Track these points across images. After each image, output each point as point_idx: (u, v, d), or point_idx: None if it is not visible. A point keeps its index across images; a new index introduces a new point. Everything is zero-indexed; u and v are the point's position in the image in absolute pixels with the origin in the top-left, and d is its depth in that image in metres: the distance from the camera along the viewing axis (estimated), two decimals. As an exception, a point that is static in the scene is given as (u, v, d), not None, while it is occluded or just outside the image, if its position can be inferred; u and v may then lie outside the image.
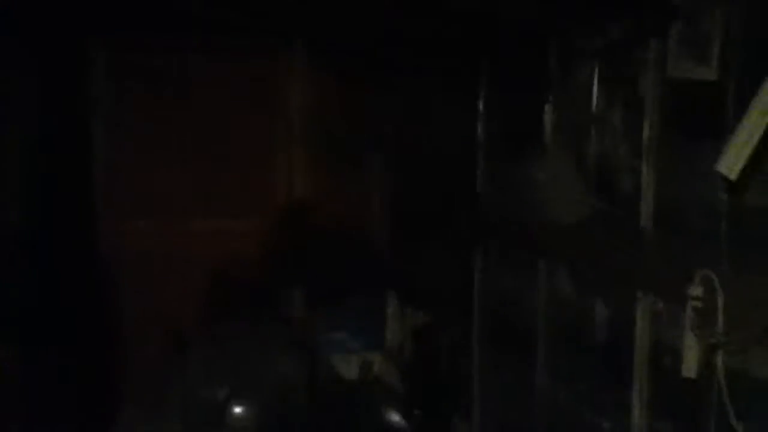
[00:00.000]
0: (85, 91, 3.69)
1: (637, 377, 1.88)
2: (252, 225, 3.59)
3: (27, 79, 3.35)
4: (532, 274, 2.38)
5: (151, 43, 3.66)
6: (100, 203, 3.66)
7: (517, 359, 2.50)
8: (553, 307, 2.30)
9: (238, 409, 2.95)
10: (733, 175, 1.43)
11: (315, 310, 3.47)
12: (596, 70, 2.10)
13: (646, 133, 1.86)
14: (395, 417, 3.05)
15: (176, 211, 3.66)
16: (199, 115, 3.70)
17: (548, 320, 2.33)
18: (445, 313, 3.04)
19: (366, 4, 2.78)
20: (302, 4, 3.11)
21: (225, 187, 3.67)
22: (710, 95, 1.63)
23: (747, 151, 1.40)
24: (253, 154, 3.73)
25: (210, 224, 3.65)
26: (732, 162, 1.42)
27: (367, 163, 3.76)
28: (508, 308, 2.58)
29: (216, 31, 3.50)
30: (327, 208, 3.67)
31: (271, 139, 3.78)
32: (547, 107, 2.32)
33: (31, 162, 3.38)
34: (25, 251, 3.23)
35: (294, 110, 3.83)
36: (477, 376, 2.86)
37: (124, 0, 3.17)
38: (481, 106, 2.81)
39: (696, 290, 1.58)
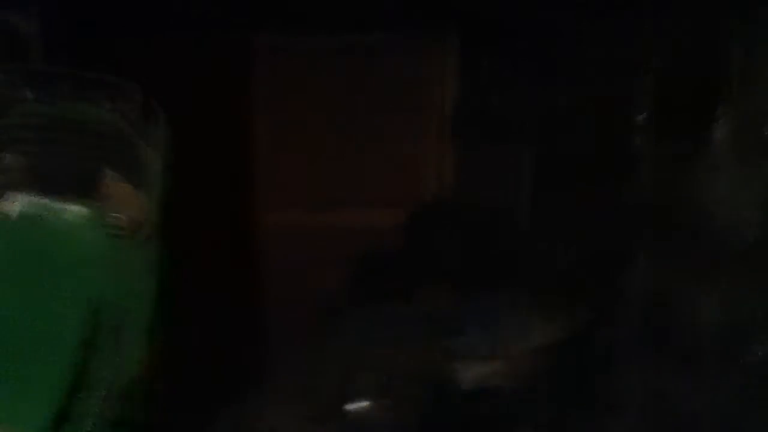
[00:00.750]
0: (245, 85, 3.81)
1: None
2: (398, 216, 3.60)
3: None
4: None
5: (306, 36, 3.73)
6: (254, 193, 3.76)
7: (676, 369, 2.40)
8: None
9: (375, 402, 2.99)
10: None
11: (454, 306, 3.44)
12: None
13: None
14: (523, 423, 2.99)
15: (325, 202, 3.71)
16: (349, 105, 3.74)
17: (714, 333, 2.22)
18: (596, 314, 2.94)
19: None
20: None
21: (372, 178, 3.69)
22: None
23: None
24: (402, 144, 3.73)
25: (357, 215, 3.68)
26: None
27: (518, 154, 3.70)
28: (667, 311, 2.48)
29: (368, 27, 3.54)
30: (472, 200, 3.63)
31: (421, 129, 3.78)
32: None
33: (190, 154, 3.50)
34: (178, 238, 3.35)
35: (445, 100, 3.81)
36: (626, 385, 2.76)
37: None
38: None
39: None
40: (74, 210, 1.26)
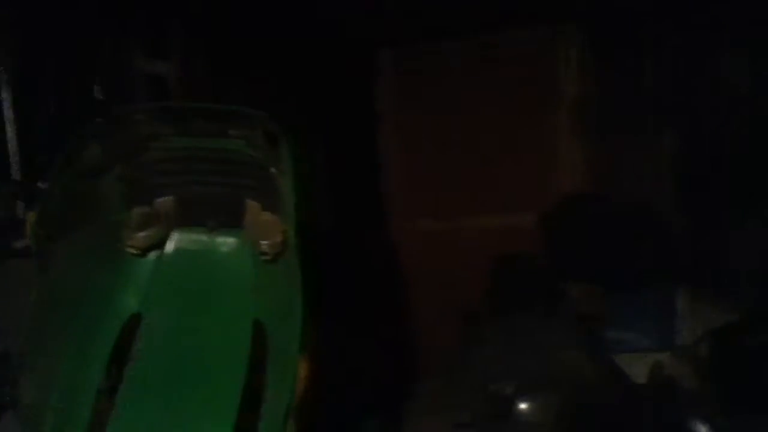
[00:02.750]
0: (371, 96, 3.87)
1: None
2: (535, 218, 3.55)
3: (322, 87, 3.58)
4: None
5: (430, 44, 3.75)
6: (389, 203, 3.81)
7: None
8: None
9: (524, 404, 2.92)
10: None
11: (602, 306, 3.36)
12: None
13: None
14: (693, 422, 2.86)
15: (461, 208, 3.71)
16: (477, 112, 3.73)
17: None
18: (754, 310, 2.81)
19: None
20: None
21: (507, 181, 3.66)
22: None
23: None
24: (531, 146, 3.69)
25: (494, 219, 3.66)
26: None
27: (656, 146, 3.58)
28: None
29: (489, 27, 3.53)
30: (612, 197, 3.54)
31: (550, 130, 3.72)
32: None
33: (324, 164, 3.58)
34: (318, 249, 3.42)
35: (570, 98, 3.74)
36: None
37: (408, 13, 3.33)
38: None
39: None
40: (226, 241, 1.32)
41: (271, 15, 3.32)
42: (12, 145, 1.97)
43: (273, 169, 1.36)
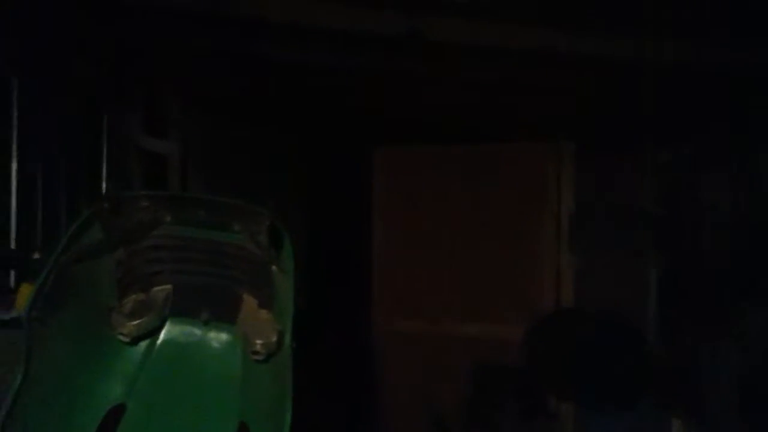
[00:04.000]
0: (365, 193, 3.91)
1: None
2: (518, 330, 3.51)
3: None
4: None
5: (420, 149, 3.81)
6: (371, 300, 3.79)
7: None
8: None
9: None
10: None
11: (582, 421, 3.31)
12: None
13: None
14: None
15: (441, 312, 3.68)
16: (465, 216, 3.75)
17: None
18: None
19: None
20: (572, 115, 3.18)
21: (491, 289, 3.65)
22: None
23: None
24: (519, 256, 3.69)
25: (475, 327, 3.63)
26: None
27: (641, 262, 3.60)
28: None
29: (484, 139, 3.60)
30: (597, 315, 3.52)
31: (538, 239, 3.73)
32: None
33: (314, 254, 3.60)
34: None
35: (558, 210, 3.77)
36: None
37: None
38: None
39: None
40: (219, 336, 1.31)
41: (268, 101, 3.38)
42: (12, 215, 1.97)
43: (274, 267, 1.36)
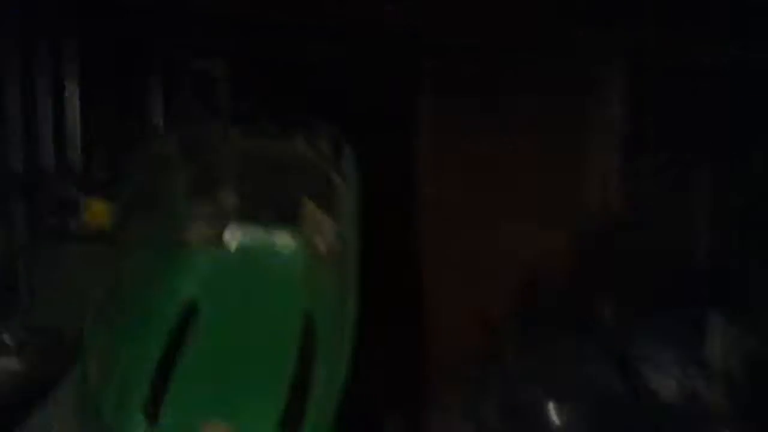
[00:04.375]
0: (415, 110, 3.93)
1: None
2: (566, 232, 3.56)
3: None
4: None
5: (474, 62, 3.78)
6: (423, 210, 3.83)
7: None
8: None
9: (552, 417, 2.94)
10: None
11: (630, 324, 3.37)
12: None
13: None
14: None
15: (491, 217, 3.72)
16: (517, 125, 3.75)
17: None
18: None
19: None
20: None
21: (539, 194, 3.67)
22: None
23: None
24: (568, 163, 3.70)
25: (524, 229, 3.66)
26: None
27: (687, 169, 3.60)
28: None
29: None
30: (643, 216, 3.55)
31: (588, 148, 3.74)
32: None
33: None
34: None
35: (611, 121, 3.76)
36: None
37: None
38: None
39: None
40: (283, 238, 1.40)
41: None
42: (75, 136, 2.06)
43: (336, 177, 1.44)
